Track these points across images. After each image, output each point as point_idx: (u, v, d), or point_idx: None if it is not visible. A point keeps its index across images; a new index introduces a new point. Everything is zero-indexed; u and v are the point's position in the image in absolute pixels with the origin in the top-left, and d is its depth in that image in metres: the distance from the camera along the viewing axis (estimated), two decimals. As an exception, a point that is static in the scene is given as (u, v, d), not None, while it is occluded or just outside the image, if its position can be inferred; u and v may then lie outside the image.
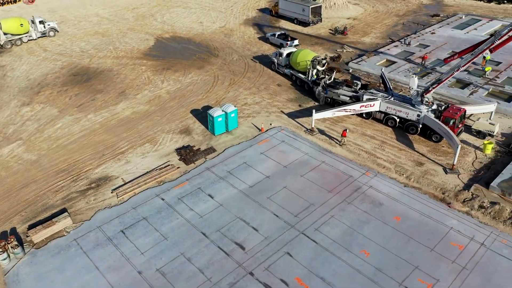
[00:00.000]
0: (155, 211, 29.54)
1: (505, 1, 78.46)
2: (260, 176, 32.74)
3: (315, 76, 44.90)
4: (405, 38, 58.92)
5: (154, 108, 43.10)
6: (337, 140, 37.02)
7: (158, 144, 37.08)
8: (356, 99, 40.78)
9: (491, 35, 33.03)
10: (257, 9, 77.06)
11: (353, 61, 52.78)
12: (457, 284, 23.90)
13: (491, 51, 33.02)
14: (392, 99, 38.79)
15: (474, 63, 45.96)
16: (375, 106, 38.75)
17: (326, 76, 44.04)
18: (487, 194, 30.01)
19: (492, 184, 30.38)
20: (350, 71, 50.63)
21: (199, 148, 36.28)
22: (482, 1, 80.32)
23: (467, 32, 62.46)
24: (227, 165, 34.16)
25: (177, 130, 39.14)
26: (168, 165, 34.10)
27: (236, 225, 28.19)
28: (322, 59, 45.31)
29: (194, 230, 27.87)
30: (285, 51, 49.15)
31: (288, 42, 56.70)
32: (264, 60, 54.03)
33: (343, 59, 54.09)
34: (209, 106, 42.78)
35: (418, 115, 36.75)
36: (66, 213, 28.52)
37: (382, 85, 45.11)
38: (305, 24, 66.97)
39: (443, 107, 37.06)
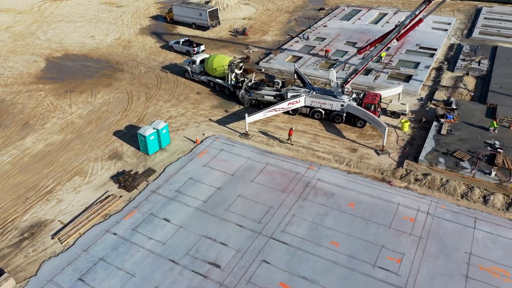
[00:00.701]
0: (110, 248, 26.94)
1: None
2: (211, 189, 31.92)
3: (235, 80, 45.07)
4: (303, 33, 62.19)
5: (71, 136, 39.06)
6: (279, 139, 37.74)
7: (89, 175, 33.78)
8: (281, 97, 41.97)
9: (396, 26, 36.63)
10: (149, 17, 74.26)
11: (262, 61, 54.09)
12: (420, 253, 26.30)
13: (397, 40, 36.74)
14: (314, 93, 40.80)
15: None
16: (301, 101, 40.35)
17: (246, 79, 44.48)
18: (418, 168, 33.45)
19: (420, 158, 33.93)
20: (262, 70, 51.85)
21: (137, 172, 33.97)
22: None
23: (354, 22, 68.28)
24: (172, 184, 32.59)
25: (106, 156, 36.07)
26: (109, 195, 31.30)
27: (203, 244, 27.14)
28: (239, 62, 45.63)
29: (161, 259, 26.13)
30: (198, 58, 48.33)
31: (195, 49, 55.83)
32: (175, 69, 52.47)
33: (252, 59, 55.11)
34: (133, 125, 40.25)
35: (342, 105, 39.27)
36: (5, 274, 24.44)
37: (298, 80, 47.20)
38: (204, 28, 66.57)
39: (361, 95, 40.17)
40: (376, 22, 69.31)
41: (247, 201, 30.69)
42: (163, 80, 49.82)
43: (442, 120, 38.47)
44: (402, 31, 35.36)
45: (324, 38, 61.42)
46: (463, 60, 52.28)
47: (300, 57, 55.15)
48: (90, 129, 40.10)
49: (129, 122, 41.04)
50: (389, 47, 51.97)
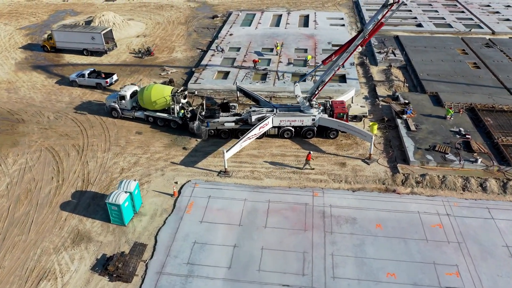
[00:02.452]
0: None
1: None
2: (227, 250, 26.93)
3: (182, 112, 39.51)
4: (216, 45, 58.29)
5: (1, 227, 29.17)
6: (257, 171, 33.97)
7: (61, 275, 25.46)
8: (243, 122, 38.15)
9: (359, 32, 35.85)
10: (19, 48, 61.30)
11: (190, 82, 48.85)
12: (469, 260, 26.09)
13: (361, 46, 36.14)
14: (280, 111, 38.04)
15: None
16: (269, 123, 37.21)
17: (198, 108, 39.30)
18: (413, 170, 33.58)
19: (411, 159, 34.11)
20: (195, 93, 46.81)
21: (123, 252, 26.86)
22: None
23: (256, 28, 66.84)
24: (177, 256, 26.58)
25: (68, 242, 27.76)
26: (106, 296, 23.98)
27: (261, 323, 22.54)
28: (182, 90, 40.09)
29: None
30: (128, 92, 41.02)
31: (108, 80, 47.60)
32: (93, 108, 43.91)
33: (176, 81, 49.39)
34: (80, 191, 32.05)
35: (313, 119, 37.37)
36: None
37: (243, 98, 43.90)
38: (99, 53, 57.56)
39: (328, 105, 38.82)
40: (277, 24, 69.12)
41: (276, 253, 26.70)
42: (86, 125, 41.12)
43: (404, 116, 39.56)
44: (368, 37, 34.83)
45: (239, 48, 58.62)
46: (379, 53, 55.19)
47: (227, 72, 51.43)
48: (24, 210, 30.56)
49: (73, 188, 32.53)
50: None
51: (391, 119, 40.61)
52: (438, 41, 58.24)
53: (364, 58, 54.76)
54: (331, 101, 39.45)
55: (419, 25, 66.99)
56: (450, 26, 66.15)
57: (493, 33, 63.56)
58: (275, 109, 38.51)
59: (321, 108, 38.23)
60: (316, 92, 37.45)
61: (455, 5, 77.94)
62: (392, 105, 41.92)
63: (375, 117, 41.42)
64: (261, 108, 38.88)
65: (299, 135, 38.20)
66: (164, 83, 48.31)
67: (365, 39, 35.15)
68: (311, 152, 34.43)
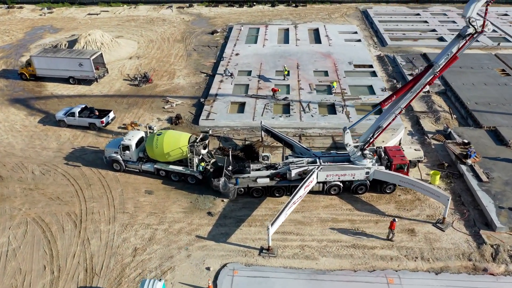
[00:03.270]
0: None
1: (274, 4, 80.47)
2: None
3: (203, 164, 32.16)
4: (224, 69, 50.89)
5: None
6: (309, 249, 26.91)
7: None
8: (281, 177, 31.07)
9: (428, 66, 29.08)
10: (-9, 76, 52.59)
11: (201, 118, 41.41)
12: None
13: (429, 84, 29.58)
14: (325, 163, 31.11)
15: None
16: (314, 179, 30.25)
17: (225, 163, 31.93)
18: (502, 239, 27.13)
19: (497, 225, 27.66)
20: (210, 132, 39.40)
21: None
22: (234, 7, 79.84)
23: (264, 45, 59.75)
24: None
25: None
26: None
27: None
28: (201, 138, 32.70)
29: None
30: (133, 141, 33.35)
31: (103, 119, 39.74)
32: (89, 159, 36.04)
33: (184, 117, 41.94)
34: (86, 289, 24.39)
35: (367, 173, 30.62)
36: None
37: (269, 139, 37.01)
38: (88, 81, 49.43)
39: (382, 153, 32.01)
40: (286, 40, 62.19)
41: None
42: (81, 182, 33.26)
43: (469, 161, 33.19)
44: (438, 73, 28.19)
45: (249, 71, 51.44)
46: (410, 75, 48.88)
47: (242, 103, 44.20)
48: (10, 323, 22.70)
49: (74, 284, 24.79)
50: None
51: (451, 165, 34.19)
52: (472, 59, 52.34)
53: (395, 82, 48.37)
54: (385, 148, 32.66)
55: (441, 39, 61.20)
56: (476, 40, 60.37)
57: (525, 47, 58.35)
58: (317, 159, 31.58)
59: (375, 157, 31.48)
60: (372, 140, 30.67)
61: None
62: (448, 146, 35.46)
63: (430, 162, 34.92)
64: (300, 159, 31.83)
65: (348, 189, 31.40)
66: (170, 120, 41.02)
67: (435, 76, 28.52)
68: (395, 219, 27.38)
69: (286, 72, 48.64)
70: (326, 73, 50.74)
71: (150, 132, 34.24)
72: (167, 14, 76.51)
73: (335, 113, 41.99)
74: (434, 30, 64.57)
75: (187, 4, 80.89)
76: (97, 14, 76.95)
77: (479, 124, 38.74)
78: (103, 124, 39.67)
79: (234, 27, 67.19)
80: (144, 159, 33.76)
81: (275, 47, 58.80)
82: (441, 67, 28.07)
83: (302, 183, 28.91)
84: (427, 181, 31.54)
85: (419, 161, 33.98)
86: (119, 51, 58.27)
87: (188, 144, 31.63)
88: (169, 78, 50.91)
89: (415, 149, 34.30)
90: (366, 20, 71.12)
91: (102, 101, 45.65)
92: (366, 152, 30.87)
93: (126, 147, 33.11)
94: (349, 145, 30.48)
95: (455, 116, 41.04)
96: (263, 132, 37.72)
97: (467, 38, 27.46)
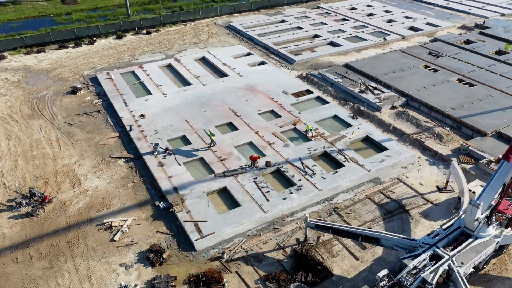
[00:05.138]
0: None
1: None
2: None
3: None
4: (154, 145, 35.22)
5: None
6: None
7: None
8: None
9: None
10: None
11: (196, 239, 26.62)
12: None
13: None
14: (441, 249, 22.50)
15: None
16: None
17: None
18: None
19: None
20: (225, 257, 25.45)
21: None
22: (68, 48, 59.97)
23: (165, 94, 45.17)
24: None
25: None
26: None
27: None
28: None
29: None
30: None
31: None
32: None
33: (162, 245, 26.29)
34: None
35: (497, 242, 23.54)
36: None
37: (316, 234, 26.09)
38: None
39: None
40: (183, 81, 48.71)
41: None
42: None
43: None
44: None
45: (182, 136, 37.31)
46: (361, 92, 43.51)
47: (223, 189, 30.79)
48: None
49: None
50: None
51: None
52: (389, 60, 50.71)
53: (354, 105, 42.17)
54: (499, 201, 25.84)
55: (334, 44, 58.33)
56: (363, 39, 59.90)
57: (404, 38, 60.57)
58: (431, 247, 22.74)
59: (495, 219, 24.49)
60: (501, 201, 23.44)
61: (328, 12, 72.85)
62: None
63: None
64: (417, 258, 22.23)
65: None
66: (149, 261, 25.36)
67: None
68: None
69: (213, 137, 36.04)
70: (274, 113, 40.95)
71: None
72: (-28, 76, 51.58)
73: (339, 164, 33.27)
74: (317, 36, 61.36)
75: (-8, 56, 56.59)
76: None
77: (480, 132, 36.31)
78: None
79: (99, 77, 49.40)
80: None
81: (181, 93, 45.07)
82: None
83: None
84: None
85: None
86: None
87: None
88: (74, 184, 32.35)
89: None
90: (242, 36, 63.01)
91: (-15, 268, 25.09)
92: (493, 218, 23.68)
93: None
94: (477, 220, 22.68)
95: (447, 129, 37.72)
96: (307, 231, 26.30)
97: None
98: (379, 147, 35.71)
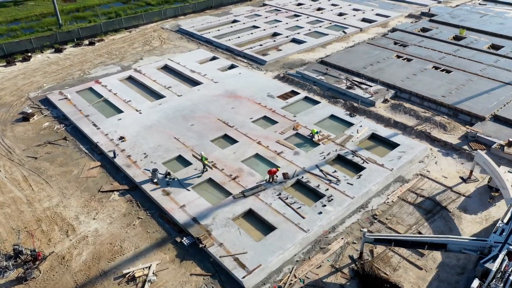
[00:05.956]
0: None
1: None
2: None
3: None
4: (153, 172, 30.36)
5: None
6: None
7: None
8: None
9: None
10: None
11: (242, 278, 22.94)
12: None
13: None
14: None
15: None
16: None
17: None
18: None
19: None
20: (278, 290, 22.24)
21: None
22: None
23: (139, 111, 39.94)
24: None
25: None
26: None
27: None
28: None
29: None
30: None
31: None
32: None
33: (204, 291, 22.41)
34: None
35: None
36: None
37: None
38: None
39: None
40: (153, 94, 43.60)
41: None
42: None
43: (548, 160, 30.27)
44: None
45: (178, 156, 32.94)
46: (349, 87, 42.11)
47: (248, 212, 27.34)
48: None
49: None
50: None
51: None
52: (362, 53, 50.09)
53: (345, 102, 40.65)
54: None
55: (297, 41, 56.58)
56: (323, 34, 58.91)
57: (361, 30, 60.73)
58: (504, 245, 21.66)
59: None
60: None
61: (278, 9, 71.06)
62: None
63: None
64: (494, 256, 20.94)
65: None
66: None
67: None
68: None
69: (206, 161, 31.46)
70: (269, 119, 38.01)
71: None
72: None
73: (358, 166, 31.40)
74: (277, 34, 59.23)
75: None
76: None
77: (478, 117, 36.69)
78: None
79: (51, 98, 42.39)
80: None
81: (157, 108, 40.15)
82: None
83: None
84: None
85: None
86: None
87: None
88: (67, 231, 26.59)
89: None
90: (198, 40, 58.70)
91: None
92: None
93: None
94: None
95: (445, 117, 37.67)
96: (364, 247, 23.94)
97: None
98: (389, 144, 34.50)
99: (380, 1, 75.95)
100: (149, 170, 30.96)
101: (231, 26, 63.07)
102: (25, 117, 39.44)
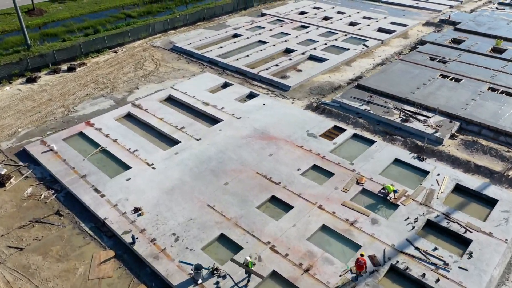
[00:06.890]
0: None
1: None
2: None
3: None
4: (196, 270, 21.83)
5: None
6: None
7: None
8: None
9: None
10: None
11: None
12: None
13: None
14: None
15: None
16: None
17: None
18: None
19: None
20: None
21: None
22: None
23: (151, 165, 31.09)
24: None
25: None
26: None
27: None
28: None
29: None
30: None
31: None
32: None
33: None
34: None
35: None
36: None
37: None
38: None
39: None
40: (163, 138, 34.84)
41: None
42: None
43: None
44: None
45: (220, 234, 24.56)
46: (405, 120, 34.86)
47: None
48: None
49: None
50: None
51: None
52: (401, 73, 42.96)
53: (404, 140, 33.35)
54: None
55: (315, 58, 48.96)
56: (343, 48, 51.58)
57: (383, 42, 53.89)
58: None
59: None
60: None
61: (280, 20, 63.20)
62: None
63: None
64: None
65: None
66: None
67: None
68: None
69: (253, 267, 22.08)
70: (320, 169, 30.10)
71: None
72: None
73: (459, 237, 24.11)
74: (290, 50, 51.30)
75: None
76: None
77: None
78: None
79: (31, 150, 32.75)
80: None
81: (174, 159, 31.35)
82: None
83: None
84: None
85: None
86: None
87: None
88: None
89: None
90: (199, 60, 49.90)
91: None
92: None
93: None
94: None
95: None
96: None
97: None
98: (481, 198, 27.48)
99: (388, 7, 69.66)
100: (188, 264, 22.47)
101: (234, 42, 54.62)
102: (3, 181, 29.79)
